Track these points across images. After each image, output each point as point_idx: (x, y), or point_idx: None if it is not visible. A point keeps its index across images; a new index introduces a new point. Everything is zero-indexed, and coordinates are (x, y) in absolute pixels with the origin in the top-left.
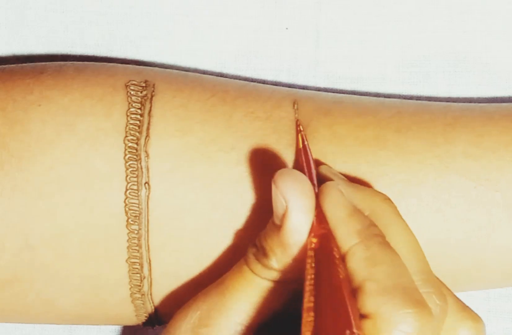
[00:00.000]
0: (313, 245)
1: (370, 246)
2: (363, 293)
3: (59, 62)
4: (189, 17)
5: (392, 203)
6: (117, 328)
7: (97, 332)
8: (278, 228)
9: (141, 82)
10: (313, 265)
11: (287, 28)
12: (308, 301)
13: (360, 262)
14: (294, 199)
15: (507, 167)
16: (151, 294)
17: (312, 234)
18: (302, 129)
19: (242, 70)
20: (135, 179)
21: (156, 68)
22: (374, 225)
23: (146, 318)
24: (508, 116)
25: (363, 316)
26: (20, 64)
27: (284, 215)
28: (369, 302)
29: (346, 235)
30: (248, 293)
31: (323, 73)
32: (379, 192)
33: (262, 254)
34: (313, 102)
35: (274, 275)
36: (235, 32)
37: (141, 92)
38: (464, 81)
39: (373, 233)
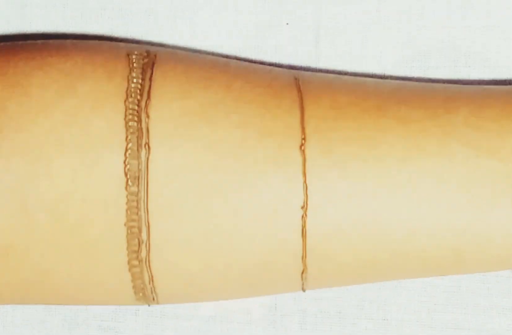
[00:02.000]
0: None
1: None
2: None
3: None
4: (189, 12)
5: None
6: (117, 328)
7: (97, 330)
8: None
9: (143, 52)
10: None
11: (287, 24)
12: None
13: None
14: None
15: (508, 136)
16: (149, 261)
17: None
18: None
19: None
20: (135, 140)
21: (158, 47)
22: None
23: (143, 291)
24: (508, 93)
25: None
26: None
27: None
28: None
29: None
30: None
31: (323, 68)
32: None
33: None
34: (314, 76)
35: None
36: (235, 27)
37: (143, 59)
38: (464, 77)
39: None
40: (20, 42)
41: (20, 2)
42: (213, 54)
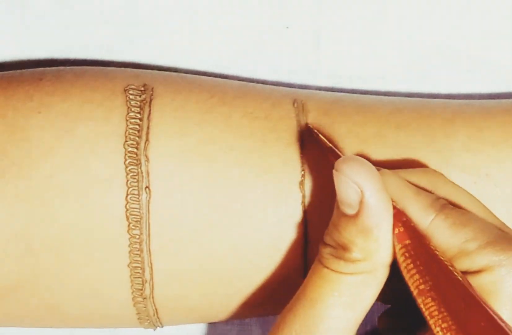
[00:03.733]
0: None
1: (448, 214)
2: (468, 255)
3: (57, 68)
4: (189, 17)
5: (441, 174)
6: (117, 329)
7: (97, 330)
8: (354, 216)
9: (139, 86)
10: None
11: (287, 28)
12: (416, 284)
13: (447, 231)
14: (369, 182)
15: (506, 161)
16: (153, 298)
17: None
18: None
19: (243, 70)
20: (136, 184)
21: (155, 71)
22: (440, 197)
23: (148, 321)
24: (508, 111)
25: (474, 272)
26: (19, 71)
27: (361, 200)
28: (479, 258)
29: (423, 211)
30: (339, 295)
31: (323, 72)
32: (425, 169)
33: (341, 249)
34: (312, 101)
35: (361, 267)
36: (236, 31)
37: (140, 96)
38: (464, 80)
39: (443, 203)
40: (17, 74)
41: (19, 5)
42: (209, 73)
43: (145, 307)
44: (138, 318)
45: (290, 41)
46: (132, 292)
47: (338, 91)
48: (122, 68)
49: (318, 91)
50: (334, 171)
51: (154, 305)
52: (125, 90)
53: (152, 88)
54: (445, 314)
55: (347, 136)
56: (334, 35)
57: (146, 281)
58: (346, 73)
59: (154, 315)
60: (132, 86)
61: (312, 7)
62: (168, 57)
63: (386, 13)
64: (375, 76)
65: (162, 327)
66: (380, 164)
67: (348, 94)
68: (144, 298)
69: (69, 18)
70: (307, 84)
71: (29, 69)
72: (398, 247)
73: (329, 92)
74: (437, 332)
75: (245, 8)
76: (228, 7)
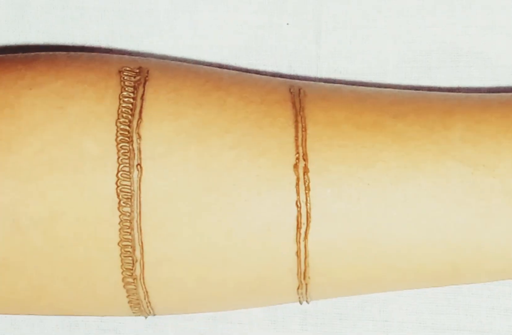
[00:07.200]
0: None
1: None
2: None
3: (53, 52)
4: (189, 13)
5: None
6: (117, 329)
7: (96, 330)
8: None
9: (134, 68)
10: None
11: (288, 24)
12: None
13: None
14: None
15: (505, 153)
16: (143, 278)
17: None
18: None
19: (243, 66)
20: (127, 161)
21: (151, 58)
22: None
23: (138, 306)
24: (507, 104)
25: None
26: (13, 54)
27: None
28: None
29: None
30: None
31: (324, 68)
32: None
33: None
34: (311, 88)
35: None
36: (236, 28)
37: (135, 77)
38: (465, 77)
39: None
40: (11, 56)
41: (20, 2)
42: (206, 63)
43: (135, 289)
44: (128, 302)
45: (291, 37)
46: (122, 272)
47: None
48: (119, 55)
49: (317, 82)
50: None
51: (145, 287)
52: (119, 72)
53: (148, 71)
54: None
55: (344, 122)
56: (334, 31)
57: (136, 260)
58: (346, 69)
59: (145, 298)
60: (127, 68)
61: (313, 3)
62: (168, 53)
63: (387, 9)
64: (375, 73)
65: (154, 315)
66: (379, 154)
67: (347, 85)
68: (135, 279)
69: (68, 13)
70: (307, 80)
71: (23, 53)
72: None
73: (328, 83)
74: None
75: (245, 4)
76: (229, 3)
